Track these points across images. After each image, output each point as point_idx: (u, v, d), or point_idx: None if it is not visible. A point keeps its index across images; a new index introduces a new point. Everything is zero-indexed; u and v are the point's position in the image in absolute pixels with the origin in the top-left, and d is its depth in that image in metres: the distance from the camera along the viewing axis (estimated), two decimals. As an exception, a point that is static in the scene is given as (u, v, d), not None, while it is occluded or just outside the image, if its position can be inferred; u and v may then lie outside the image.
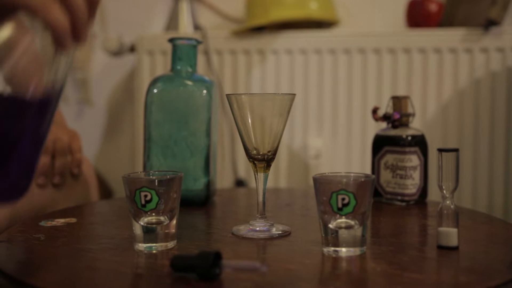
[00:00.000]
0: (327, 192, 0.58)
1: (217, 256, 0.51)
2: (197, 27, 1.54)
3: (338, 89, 1.46)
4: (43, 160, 0.90)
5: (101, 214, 0.87)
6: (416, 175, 0.86)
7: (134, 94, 1.55)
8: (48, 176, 0.93)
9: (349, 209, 0.58)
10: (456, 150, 0.61)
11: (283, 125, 0.69)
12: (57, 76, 0.53)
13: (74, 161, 0.97)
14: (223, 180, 1.49)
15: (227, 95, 0.68)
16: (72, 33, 0.51)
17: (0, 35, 0.53)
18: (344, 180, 0.59)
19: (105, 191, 1.55)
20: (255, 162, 0.69)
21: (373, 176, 0.60)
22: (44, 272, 0.56)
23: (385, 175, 0.87)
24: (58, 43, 0.50)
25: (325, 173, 0.62)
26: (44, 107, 0.52)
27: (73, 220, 0.75)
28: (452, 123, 1.42)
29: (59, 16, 0.50)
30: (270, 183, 1.48)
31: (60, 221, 0.75)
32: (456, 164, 0.61)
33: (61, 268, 0.57)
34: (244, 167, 1.49)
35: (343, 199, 0.57)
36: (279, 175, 1.49)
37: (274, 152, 0.69)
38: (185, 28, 1.54)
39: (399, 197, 0.86)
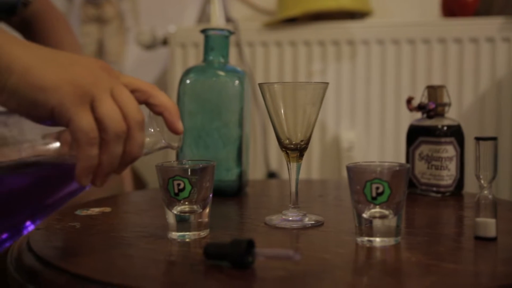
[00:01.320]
0: (361, 181, 0.57)
1: (250, 244, 0.51)
2: (229, 19, 1.54)
3: (372, 81, 1.44)
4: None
5: (135, 203, 0.88)
6: (452, 166, 0.84)
7: (167, 86, 1.56)
8: None
9: (383, 198, 0.57)
10: (494, 139, 0.60)
11: (316, 114, 0.69)
12: None
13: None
14: (255, 172, 1.49)
15: (259, 84, 0.68)
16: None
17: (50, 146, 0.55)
18: (378, 169, 0.58)
19: (139, 183, 1.56)
20: (287, 151, 0.69)
21: (408, 165, 0.59)
22: (80, 259, 0.56)
23: (420, 166, 0.86)
24: (78, 152, 0.49)
25: (359, 162, 0.61)
26: None
27: (108, 209, 0.76)
28: (489, 113, 1.38)
29: (87, 122, 0.48)
30: (302, 175, 1.47)
31: (95, 210, 0.76)
32: (495, 153, 0.60)
33: (96, 255, 0.57)
34: (276, 160, 1.48)
35: (377, 188, 0.57)
36: (312, 168, 1.48)
37: (307, 142, 0.69)
38: (217, 20, 1.54)
39: (434, 189, 0.84)
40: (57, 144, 0.52)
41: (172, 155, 1.40)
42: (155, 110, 0.55)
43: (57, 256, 0.57)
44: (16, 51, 0.49)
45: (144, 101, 0.55)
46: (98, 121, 0.49)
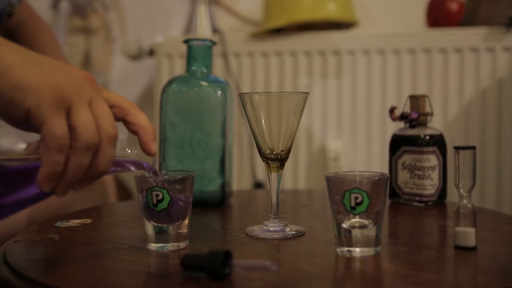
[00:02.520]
0: (340, 191, 0.57)
1: (227, 255, 0.51)
2: (215, 30, 1.55)
3: (357, 91, 1.44)
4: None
5: (116, 215, 0.87)
6: (435, 176, 0.84)
7: (153, 97, 1.55)
8: None
9: (362, 208, 0.57)
10: (473, 148, 0.60)
11: (297, 123, 0.68)
12: None
13: None
14: (241, 183, 1.48)
15: (240, 94, 0.67)
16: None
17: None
18: (357, 178, 0.58)
19: (125, 194, 1.55)
20: (268, 161, 0.68)
21: (387, 175, 0.59)
22: (57, 271, 0.56)
23: (403, 176, 0.86)
24: (45, 156, 0.48)
25: (338, 172, 0.61)
26: None
27: (88, 221, 0.76)
28: (474, 123, 1.39)
29: (60, 128, 0.48)
30: (289, 185, 1.47)
31: (75, 222, 0.75)
32: (473, 162, 0.60)
33: (74, 268, 0.57)
34: (262, 170, 1.48)
35: (356, 198, 0.56)
36: (298, 178, 1.48)
37: (288, 152, 0.69)
38: (204, 31, 1.54)
39: (417, 198, 0.84)
40: (22, 146, 0.52)
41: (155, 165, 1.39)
42: (131, 128, 0.54)
43: (34, 269, 0.56)
44: None
45: (122, 118, 0.54)
46: (71, 129, 0.49)
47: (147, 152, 0.55)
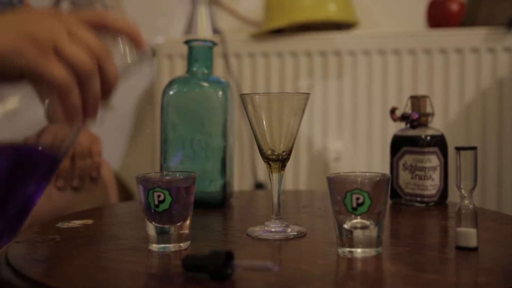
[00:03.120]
0: (341, 192, 0.57)
1: (229, 256, 0.51)
2: (216, 30, 1.55)
3: (358, 91, 1.44)
4: (63, 163, 0.90)
5: (118, 215, 0.87)
6: (436, 176, 0.84)
7: (154, 98, 1.56)
8: (68, 179, 0.94)
9: (363, 208, 0.57)
10: (474, 148, 0.60)
11: (298, 124, 0.68)
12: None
13: (94, 165, 0.98)
14: (242, 183, 1.49)
15: (241, 95, 0.68)
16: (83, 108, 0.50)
17: (6, 106, 0.54)
18: (359, 179, 0.58)
19: (126, 195, 1.55)
20: (269, 162, 0.68)
21: (389, 175, 0.59)
22: (58, 272, 0.56)
23: (404, 176, 0.86)
24: (61, 101, 0.49)
25: (339, 173, 0.61)
26: (55, 164, 0.53)
27: (90, 221, 0.76)
28: (475, 124, 1.39)
29: (58, 71, 0.48)
30: (290, 186, 1.47)
31: (77, 223, 0.75)
32: (475, 163, 0.60)
33: (75, 268, 0.57)
34: (263, 171, 1.48)
35: (357, 198, 0.56)
36: (299, 179, 1.48)
37: (289, 152, 0.69)
38: (204, 32, 1.54)
39: (419, 198, 0.84)
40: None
41: (156, 166, 1.39)
42: (115, 34, 0.54)
43: (35, 269, 0.56)
44: None
45: (101, 30, 0.54)
46: (68, 66, 0.49)
47: (139, 47, 0.55)
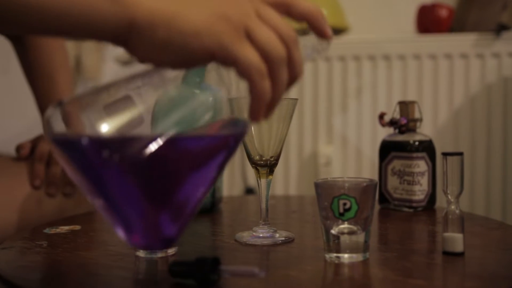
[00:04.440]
0: (328, 197, 0.57)
1: (215, 262, 0.51)
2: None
3: (348, 96, 1.45)
4: (54, 169, 0.90)
5: (106, 221, 0.86)
6: (424, 181, 0.84)
7: (144, 103, 1.55)
8: (59, 185, 0.93)
9: (351, 214, 0.57)
10: (460, 154, 0.60)
11: (286, 130, 0.68)
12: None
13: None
14: (232, 188, 1.48)
15: (228, 99, 0.67)
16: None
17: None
18: (346, 185, 0.58)
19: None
20: (257, 167, 0.68)
21: (376, 181, 0.59)
22: (44, 278, 0.55)
23: (392, 181, 0.86)
24: (253, 90, 0.46)
25: (327, 178, 0.61)
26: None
27: (77, 227, 0.75)
28: (464, 129, 1.40)
29: (254, 58, 0.45)
30: (280, 191, 1.47)
31: (64, 228, 0.75)
32: (461, 168, 0.60)
33: (61, 275, 0.56)
34: (253, 176, 1.48)
35: (344, 204, 0.57)
36: (289, 183, 1.48)
37: (277, 158, 0.69)
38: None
39: (407, 204, 0.84)
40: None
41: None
42: (300, 19, 0.51)
43: (21, 276, 0.56)
44: (147, 2, 0.45)
45: (286, 12, 0.51)
46: (260, 51, 0.46)
47: (323, 36, 0.51)
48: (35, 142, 0.93)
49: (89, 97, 0.48)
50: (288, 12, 0.50)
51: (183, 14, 0.45)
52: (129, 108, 0.48)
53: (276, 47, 0.46)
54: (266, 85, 0.46)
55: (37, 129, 1.00)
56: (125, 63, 1.53)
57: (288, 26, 0.48)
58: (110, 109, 0.47)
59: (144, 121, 0.49)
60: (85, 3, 0.45)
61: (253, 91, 0.46)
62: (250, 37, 0.46)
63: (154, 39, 0.45)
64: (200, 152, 0.51)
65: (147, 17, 0.45)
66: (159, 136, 0.46)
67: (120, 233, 0.47)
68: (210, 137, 0.53)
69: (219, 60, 0.46)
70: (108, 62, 1.68)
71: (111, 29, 0.45)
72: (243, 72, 0.46)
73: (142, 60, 0.48)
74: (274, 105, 0.48)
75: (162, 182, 0.46)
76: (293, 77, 0.49)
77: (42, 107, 0.99)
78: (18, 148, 0.92)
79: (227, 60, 0.46)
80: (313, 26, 0.51)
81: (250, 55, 0.45)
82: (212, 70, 0.54)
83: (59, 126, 0.46)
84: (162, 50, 0.45)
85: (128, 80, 0.50)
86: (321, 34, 0.51)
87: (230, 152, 0.52)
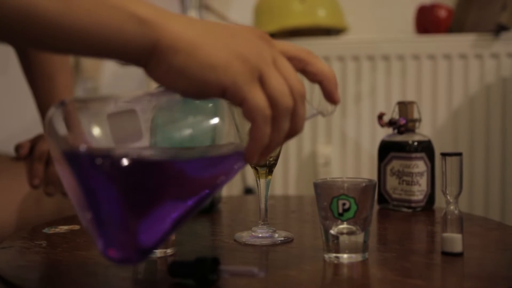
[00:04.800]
0: (327, 197, 0.57)
1: (215, 262, 0.51)
2: (205, 35, 1.55)
3: (347, 96, 1.45)
4: (53, 169, 0.90)
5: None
6: (423, 182, 0.84)
7: (143, 102, 1.55)
8: (58, 185, 0.93)
9: (350, 214, 0.57)
10: (459, 154, 0.60)
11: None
12: None
13: None
14: (231, 188, 1.48)
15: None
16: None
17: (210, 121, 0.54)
18: (345, 185, 0.58)
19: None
20: (257, 168, 0.68)
21: (375, 181, 0.59)
22: (43, 278, 0.55)
23: (391, 182, 0.86)
24: (254, 131, 0.47)
25: (326, 178, 0.61)
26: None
27: (77, 227, 0.75)
28: (463, 129, 1.40)
29: (262, 102, 0.46)
30: (279, 191, 1.47)
31: (63, 228, 0.75)
32: (460, 169, 0.60)
33: (61, 274, 0.56)
34: (252, 176, 1.48)
35: (343, 204, 0.57)
36: (289, 183, 1.48)
37: (276, 158, 0.69)
38: (194, 36, 1.54)
39: (406, 204, 0.84)
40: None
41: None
42: (313, 78, 0.52)
43: (20, 275, 0.56)
44: (174, 28, 0.46)
45: (301, 69, 0.52)
46: (269, 97, 0.47)
47: (331, 100, 0.53)
48: (34, 142, 0.93)
49: (97, 103, 0.49)
50: (304, 68, 0.52)
51: (206, 45, 0.46)
52: (132, 122, 0.49)
53: (284, 97, 0.47)
54: (267, 130, 0.47)
55: (36, 129, 1.00)
56: (124, 63, 1.52)
57: (299, 81, 0.49)
58: (112, 120, 0.47)
59: (143, 138, 0.50)
60: (114, 24, 0.45)
61: (254, 133, 0.47)
62: (262, 82, 0.47)
63: (173, 63, 0.46)
64: (191, 176, 0.52)
65: (171, 41, 0.46)
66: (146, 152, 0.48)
67: (99, 246, 0.47)
68: (202, 163, 0.53)
69: (229, 96, 0.47)
70: (107, 62, 1.68)
71: (137, 50, 0.46)
72: (249, 112, 0.47)
73: (157, 81, 0.48)
74: (269, 152, 0.49)
75: (144, 194, 0.47)
76: (293, 130, 0.50)
77: (42, 107, 0.99)
78: (17, 148, 0.92)
79: (237, 98, 0.47)
80: (324, 87, 0.52)
81: (258, 98, 0.46)
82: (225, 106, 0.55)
83: (60, 127, 0.46)
84: (178, 75, 0.46)
85: (137, 96, 0.51)
86: (330, 97, 0.53)
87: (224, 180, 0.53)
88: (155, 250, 0.60)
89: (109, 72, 1.70)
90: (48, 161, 0.90)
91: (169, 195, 0.49)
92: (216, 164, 0.53)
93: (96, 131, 0.46)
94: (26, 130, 1.15)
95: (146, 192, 0.47)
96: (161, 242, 0.49)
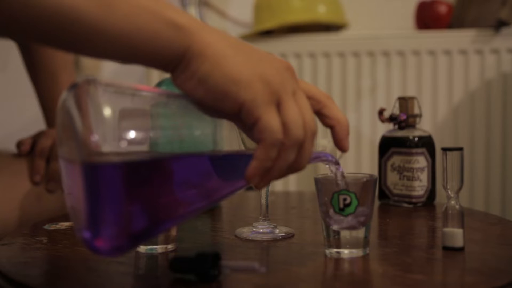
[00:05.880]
0: (328, 193, 0.57)
1: (216, 257, 0.51)
2: (205, 32, 1.54)
3: (347, 92, 1.45)
4: (54, 165, 0.90)
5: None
6: (424, 177, 0.84)
7: (143, 99, 1.55)
8: (59, 181, 0.93)
9: (351, 209, 0.57)
10: (460, 149, 0.60)
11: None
12: None
13: None
14: (232, 185, 1.48)
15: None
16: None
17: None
18: (346, 180, 0.58)
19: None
20: (257, 163, 0.68)
21: (376, 176, 0.59)
22: (44, 274, 0.55)
23: (392, 177, 0.86)
24: (260, 151, 0.47)
25: (327, 174, 0.61)
26: None
27: (77, 223, 0.75)
28: (463, 125, 1.40)
29: (277, 125, 0.47)
30: (279, 187, 1.47)
31: (64, 224, 0.75)
32: (461, 164, 0.60)
33: (61, 271, 0.56)
34: (253, 172, 1.48)
35: (344, 199, 0.57)
36: (289, 179, 1.48)
37: (277, 154, 0.69)
38: (194, 33, 1.54)
39: (407, 199, 0.84)
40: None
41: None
42: (326, 122, 0.53)
43: (21, 272, 0.56)
44: (207, 37, 0.47)
45: (317, 110, 0.53)
46: (283, 125, 0.47)
47: (341, 147, 0.53)
48: (35, 138, 0.93)
49: (115, 90, 0.48)
50: (320, 111, 0.53)
51: (233, 59, 0.47)
52: (142, 124, 0.50)
53: (298, 127, 0.47)
54: (273, 153, 0.47)
55: (37, 126, 1.00)
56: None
57: (313, 118, 0.50)
58: (124, 116, 0.47)
59: (148, 142, 0.50)
60: (152, 29, 0.46)
61: (260, 153, 0.47)
62: (279, 108, 0.47)
63: (197, 70, 0.46)
64: (192, 176, 0.52)
65: (201, 48, 0.46)
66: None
67: (86, 236, 0.46)
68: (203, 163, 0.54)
69: (244, 113, 0.47)
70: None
71: (170, 56, 0.47)
72: (261, 132, 0.46)
73: (178, 86, 0.49)
74: (269, 178, 0.49)
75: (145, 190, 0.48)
76: (297, 164, 0.49)
77: (44, 104, 0.99)
78: (19, 144, 0.92)
79: (252, 115, 0.46)
80: (336, 133, 0.53)
81: (274, 121, 0.47)
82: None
83: (75, 116, 0.45)
84: (200, 82, 0.47)
85: (154, 95, 0.52)
86: (339, 144, 0.53)
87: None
88: (153, 246, 0.60)
89: (109, 70, 1.70)
90: (49, 158, 0.90)
91: (169, 194, 0.49)
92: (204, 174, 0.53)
93: (106, 123, 0.45)
94: (27, 127, 1.15)
95: (146, 192, 0.47)
96: (153, 230, 0.49)
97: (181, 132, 0.58)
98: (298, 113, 0.48)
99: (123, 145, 0.46)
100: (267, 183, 0.49)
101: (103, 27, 0.45)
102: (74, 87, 0.46)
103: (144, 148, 0.49)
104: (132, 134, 0.47)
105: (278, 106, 0.47)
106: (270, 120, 0.46)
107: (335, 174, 0.57)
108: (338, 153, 0.55)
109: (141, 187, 0.47)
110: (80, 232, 0.47)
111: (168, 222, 0.51)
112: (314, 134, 0.49)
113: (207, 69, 0.46)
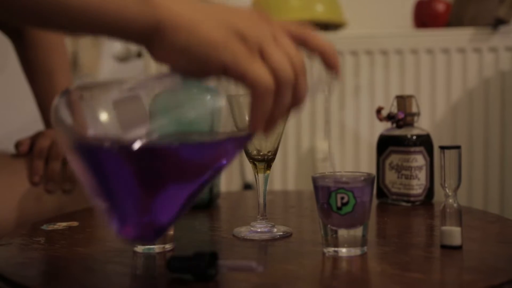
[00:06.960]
0: (326, 191, 0.57)
1: (213, 257, 0.51)
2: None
3: (345, 91, 1.45)
4: (53, 166, 0.90)
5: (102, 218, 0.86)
6: (422, 175, 0.84)
7: (141, 99, 1.55)
8: (59, 182, 0.93)
9: (348, 208, 0.57)
10: (458, 148, 0.60)
11: (283, 125, 0.68)
12: None
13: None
14: (231, 184, 1.48)
15: (226, 96, 0.67)
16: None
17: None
18: (343, 179, 0.58)
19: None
20: (255, 162, 0.68)
21: (373, 175, 0.59)
22: (42, 275, 0.55)
23: (390, 176, 0.86)
24: (256, 103, 0.48)
25: (324, 172, 0.61)
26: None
27: (75, 223, 0.75)
28: (462, 123, 1.40)
29: (263, 74, 0.47)
30: (278, 186, 1.47)
31: (61, 225, 0.74)
32: (459, 162, 0.60)
33: (59, 271, 0.56)
34: (251, 171, 1.48)
35: (342, 198, 0.57)
36: (287, 178, 1.48)
37: (275, 153, 0.69)
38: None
39: (405, 198, 0.84)
40: None
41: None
42: (313, 54, 0.53)
43: (18, 272, 0.56)
44: (173, 7, 0.48)
45: (301, 43, 0.52)
46: (270, 70, 0.48)
47: (333, 69, 0.53)
48: (34, 139, 0.93)
49: (101, 89, 0.50)
50: (303, 44, 0.52)
51: (205, 25, 0.48)
52: (137, 108, 0.51)
53: (285, 69, 0.48)
54: (269, 101, 0.48)
55: (36, 126, 1.00)
56: (122, 59, 1.52)
57: (299, 55, 0.50)
58: (118, 106, 0.48)
59: (148, 123, 0.51)
60: (116, 2, 0.47)
61: (255, 104, 0.48)
62: (263, 57, 0.48)
63: (174, 42, 0.47)
64: (197, 159, 0.53)
65: (173, 21, 0.47)
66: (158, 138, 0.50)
67: (114, 226, 0.47)
68: (208, 146, 0.56)
69: (229, 73, 0.48)
70: (105, 59, 1.68)
71: (139, 28, 0.47)
72: (250, 85, 0.48)
73: (160, 61, 0.49)
74: (273, 124, 0.50)
75: (156, 174, 0.48)
76: (295, 103, 0.50)
77: (41, 105, 0.99)
78: (17, 145, 0.92)
79: (237, 73, 0.48)
80: (324, 60, 0.53)
81: (260, 71, 0.47)
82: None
83: (66, 116, 0.46)
84: (180, 54, 0.48)
85: (140, 81, 0.52)
86: (330, 67, 0.53)
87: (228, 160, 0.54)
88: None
89: (108, 69, 1.70)
90: (48, 158, 0.90)
91: (177, 177, 0.50)
92: (217, 147, 0.55)
93: (102, 117, 0.47)
94: (26, 127, 1.15)
95: (155, 175, 0.48)
96: (174, 220, 0.50)
97: (176, 112, 0.59)
98: (282, 55, 0.48)
99: (124, 132, 0.46)
100: (273, 127, 0.50)
101: (65, 3, 0.45)
102: (65, 93, 0.47)
103: (144, 131, 0.50)
104: (128, 120, 0.48)
105: (262, 55, 0.48)
106: (255, 71, 0.47)
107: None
108: (330, 80, 0.55)
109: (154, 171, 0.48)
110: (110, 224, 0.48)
111: (182, 203, 0.52)
112: (303, 68, 0.50)
113: (183, 40, 0.47)
